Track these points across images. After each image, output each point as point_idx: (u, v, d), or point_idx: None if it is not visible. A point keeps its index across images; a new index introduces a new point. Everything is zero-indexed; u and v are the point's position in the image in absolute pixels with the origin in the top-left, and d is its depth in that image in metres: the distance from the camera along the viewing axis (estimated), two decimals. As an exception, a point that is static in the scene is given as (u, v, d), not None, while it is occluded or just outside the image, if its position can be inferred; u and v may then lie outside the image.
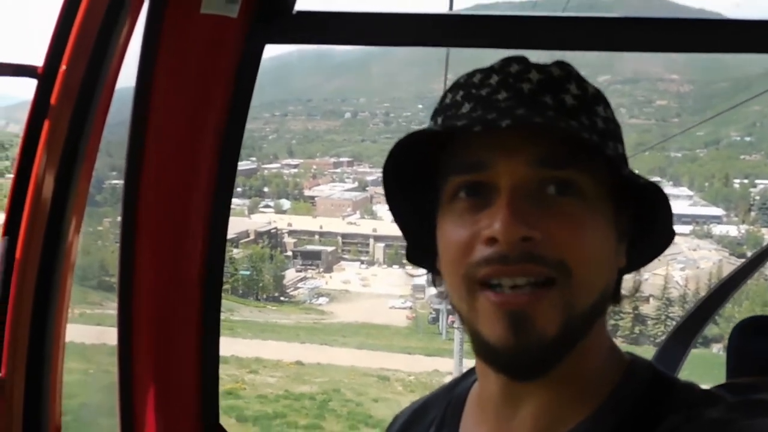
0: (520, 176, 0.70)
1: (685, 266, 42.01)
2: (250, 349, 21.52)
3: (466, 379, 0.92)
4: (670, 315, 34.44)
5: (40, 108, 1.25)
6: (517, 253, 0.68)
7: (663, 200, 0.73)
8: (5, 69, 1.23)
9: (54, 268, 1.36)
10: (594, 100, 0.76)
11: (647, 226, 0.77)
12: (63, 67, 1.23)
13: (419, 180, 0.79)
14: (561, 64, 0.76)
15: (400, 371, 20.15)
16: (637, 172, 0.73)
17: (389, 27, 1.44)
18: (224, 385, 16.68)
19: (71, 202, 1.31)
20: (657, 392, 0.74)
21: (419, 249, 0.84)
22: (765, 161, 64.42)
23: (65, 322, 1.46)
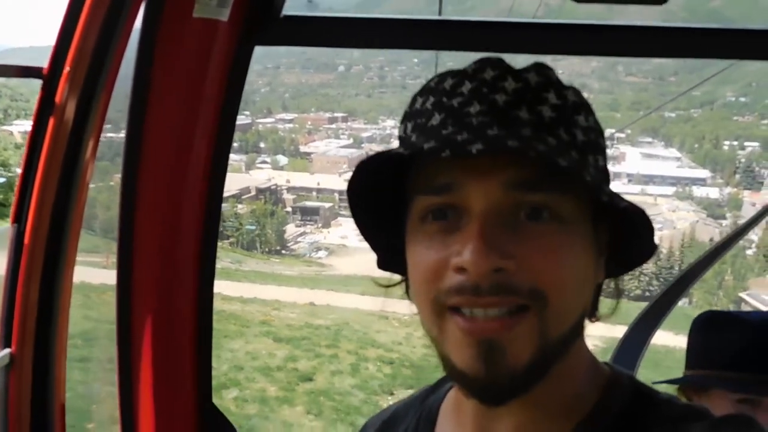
0: (493, 200, 0.66)
1: (663, 226, 43.22)
2: (268, 293, 25.79)
3: (438, 390, 0.89)
4: (644, 271, 36.50)
5: (45, 106, 1.34)
6: (489, 283, 0.64)
7: (645, 222, 0.69)
8: (13, 70, 1.31)
9: (59, 252, 1.46)
10: (574, 108, 0.71)
11: (628, 238, 0.72)
12: (67, 68, 1.31)
13: (386, 194, 0.75)
14: (539, 69, 0.71)
15: (397, 312, 23.08)
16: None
17: (375, 31, 1.48)
18: (257, 317, 21.80)
19: (74, 193, 1.41)
20: (638, 406, 0.72)
21: (390, 259, 0.80)
22: (757, 123, 64.11)
23: (69, 302, 1.55)
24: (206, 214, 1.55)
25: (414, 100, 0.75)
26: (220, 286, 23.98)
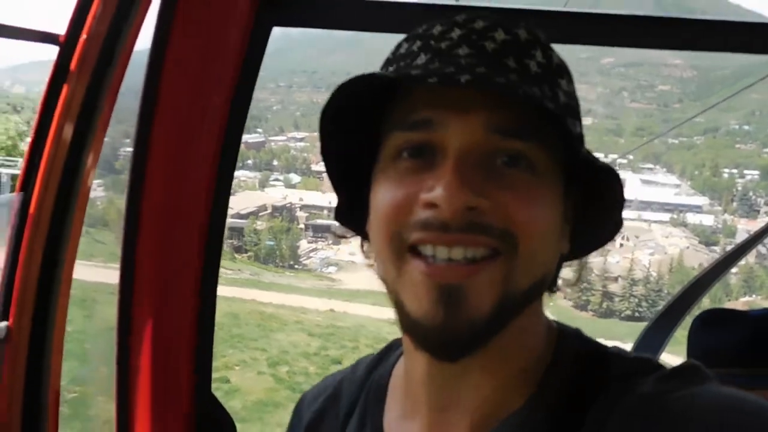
0: (471, 140, 0.63)
1: (654, 251, 44.50)
2: (293, 301, 31.20)
3: (385, 361, 0.84)
4: (634, 293, 37.76)
5: (60, 73, 1.32)
6: (459, 222, 0.61)
7: (617, 185, 0.68)
8: (30, 35, 1.29)
9: (64, 225, 1.43)
10: (558, 71, 0.69)
11: (594, 214, 0.71)
12: (84, 36, 1.29)
13: (358, 130, 0.71)
14: (529, 29, 0.70)
15: (405, 320, 28.79)
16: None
17: (398, 15, 1.45)
18: (291, 318, 27.76)
19: (85, 162, 1.38)
20: (590, 363, 0.70)
21: (350, 207, 0.77)
22: (759, 152, 64.37)
23: (71, 277, 1.51)
24: (215, 194, 1.52)
25: (399, 45, 0.72)
26: (252, 294, 30.92)
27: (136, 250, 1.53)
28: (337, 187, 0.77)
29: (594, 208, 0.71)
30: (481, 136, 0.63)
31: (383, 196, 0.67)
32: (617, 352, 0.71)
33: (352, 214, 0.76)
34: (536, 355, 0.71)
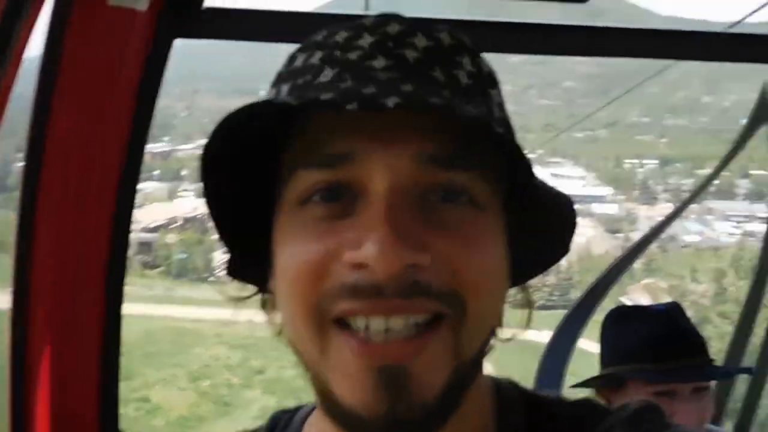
0: (401, 176, 0.52)
1: None
2: (210, 314, 31.39)
3: (284, 426, 0.70)
4: (546, 284, 40.70)
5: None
6: (396, 284, 0.50)
7: (571, 214, 0.61)
8: None
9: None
10: (489, 80, 0.60)
11: (539, 240, 0.63)
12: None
13: (250, 169, 0.58)
14: (451, 31, 0.59)
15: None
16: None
17: (302, 26, 1.38)
18: (209, 332, 27.97)
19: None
20: (533, 412, 0.63)
21: (246, 259, 0.63)
22: (656, 142, 68.78)
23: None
24: (117, 208, 1.44)
25: (292, 58, 0.59)
26: (166, 310, 30.21)
27: (30, 275, 1.40)
28: (226, 239, 0.62)
29: (537, 232, 0.62)
30: (413, 170, 0.52)
31: (293, 253, 0.54)
32: (556, 397, 0.65)
33: (250, 267, 0.63)
34: (484, 412, 0.62)
